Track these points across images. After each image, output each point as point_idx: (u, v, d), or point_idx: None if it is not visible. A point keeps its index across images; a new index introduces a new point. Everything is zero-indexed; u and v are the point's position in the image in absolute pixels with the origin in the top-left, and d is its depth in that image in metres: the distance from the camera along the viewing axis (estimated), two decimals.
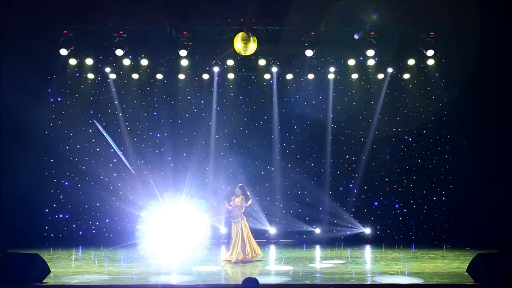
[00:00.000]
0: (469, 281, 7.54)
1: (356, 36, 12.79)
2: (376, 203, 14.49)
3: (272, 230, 14.13)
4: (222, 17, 12.06)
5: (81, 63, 13.61)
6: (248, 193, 10.47)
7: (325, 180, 14.51)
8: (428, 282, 7.68)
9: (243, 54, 12.36)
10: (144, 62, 13.67)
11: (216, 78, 14.39)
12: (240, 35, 12.00)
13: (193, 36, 12.64)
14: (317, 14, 12.09)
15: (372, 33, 12.58)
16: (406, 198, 14.45)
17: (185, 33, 12.52)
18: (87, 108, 14.35)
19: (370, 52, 12.73)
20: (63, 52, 12.52)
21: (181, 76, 14.28)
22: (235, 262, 9.80)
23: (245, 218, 10.28)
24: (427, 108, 14.46)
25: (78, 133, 14.14)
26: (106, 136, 14.11)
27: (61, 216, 14.10)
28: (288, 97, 14.70)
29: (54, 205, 14.10)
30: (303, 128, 14.71)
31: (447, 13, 11.80)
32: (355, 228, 14.25)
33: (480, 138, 13.42)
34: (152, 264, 9.66)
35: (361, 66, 13.97)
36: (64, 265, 9.63)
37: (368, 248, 12.87)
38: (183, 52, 12.66)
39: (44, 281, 7.48)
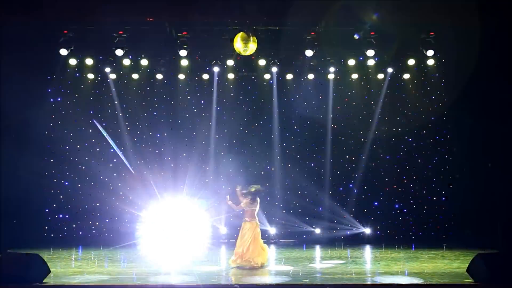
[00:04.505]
0: (469, 281, 7.54)
1: (356, 36, 12.79)
2: (376, 203, 14.50)
3: (272, 230, 14.13)
4: (222, 17, 12.06)
5: (81, 63, 13.61)
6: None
7: (325, 180, 14.51)
8: (428, 282, 7.68)
9: (243, 54, 12.36)
10: (144, 62, 13.67)
11: (216, 78, 14.39)
12: (240, 35, 11.99)
13: (193, 36, 12.64)
14: (317, 14, 12.09)
15: (372, 33, 12.58)
16: (406, 198, 14.45)
17: (185, 33, 12.52)
18: (87, 108, 14.34)
19: (370, 52, 12.72)
20: (63, 52, 12.51)
21: (181, 76, 14.27)
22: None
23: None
24: (427, 108, 14.46)
25: (78, 133, 14.14)
26: (106, 136, 14.11)
27: (61, 216, 14.10)
28: (288, 97, 14.70)
29: (54, 205, 14.09)
30: (303, 128, 14.71)
31: (447, 13, 11.81)
32: (355, 228, 14.25)
33: (480, 138, 13.43)
34: (152, 264, 9.65)
35: (361, 66, 13.97)
36: (64, 265, 9.63)
37: (368, 248, 12.87)
38: (183, 52, 12.66)
39: (44, 281, 7.47)
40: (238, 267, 9.28)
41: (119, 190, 14.18)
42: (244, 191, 9.76)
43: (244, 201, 9.63)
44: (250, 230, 9.47)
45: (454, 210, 14.08)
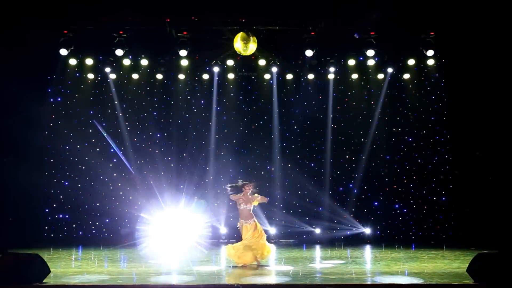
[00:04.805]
0: (469, 281, 7.53)
1: (356, 36, 12.80)
2: (376, 203, 14.49)
3: (272, 230, 14.12)
4: (222, 17, 12.07)
5: (81, 63, 13.63)
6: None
7: (325, 180, 14.50)
8: (428, 282, 7.67)
9: (243, 54, 12.36)
10: (144, 62, 13.67)
11: (216, 78, 14.39)
12: (240, 35, 12.00)
13: (193, 36, 12.64)
14: (317, 14, 12.10)
15: (372, 33, 12.59)
16: (406, 198, 14.45)
17: (185, 33, 12.53)
18: (87, 108, 14.34)
19: (370, 52, 12.74)
20: (63, 52, 12.54)
21: (181, 76, 14.28)
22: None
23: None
24: (427, 108, 14.46)
25: (78, 133, 14.13)
26: (106, 136, 14.11)
27: (61, 216, 14.09)
28: (288, 97, 14.70)
29: (54, 205, 14.08)
30: (303, 128, 14.70)
31: (447, 13, 11.81)
32: (355, 228, 14.25)
33: (480, 138, 13.44)
34: (152, 264, 9.65)
35: (361, 66, 13.97)
36: (64, 265, 9.62)
37: (368, 248, 12.87)
38: (183, 52, 12.67)
39: (44, 281, 7.47)
40: (237, 267, 9.28)
41: (119, 190, 14.17)
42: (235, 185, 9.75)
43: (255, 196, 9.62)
44: (254, 228, 9.49)
45: (454, 210, 14.07)
